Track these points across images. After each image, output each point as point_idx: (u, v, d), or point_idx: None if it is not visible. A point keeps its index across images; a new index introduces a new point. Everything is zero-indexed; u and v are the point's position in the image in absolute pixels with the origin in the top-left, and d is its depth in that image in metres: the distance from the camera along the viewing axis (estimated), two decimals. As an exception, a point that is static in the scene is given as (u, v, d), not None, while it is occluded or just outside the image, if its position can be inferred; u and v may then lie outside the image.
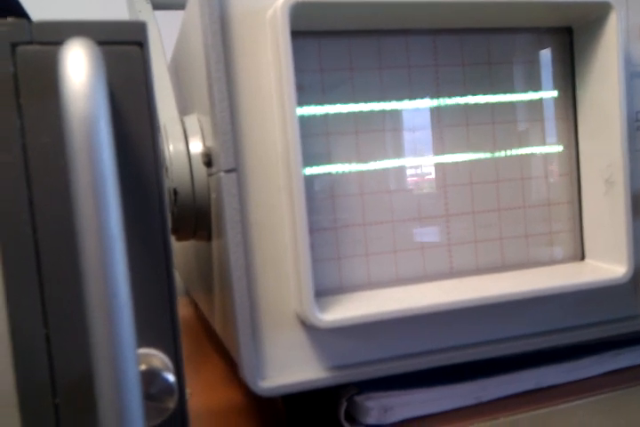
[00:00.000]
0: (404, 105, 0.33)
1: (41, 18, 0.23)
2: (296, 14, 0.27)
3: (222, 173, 0.28)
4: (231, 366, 0.43)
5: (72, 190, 0.19)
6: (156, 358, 0.24)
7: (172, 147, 0.32)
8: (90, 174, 0.18)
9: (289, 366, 0.30)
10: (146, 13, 0.45)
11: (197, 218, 0.32)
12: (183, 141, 0.32)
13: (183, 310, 0.63)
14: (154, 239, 0.24)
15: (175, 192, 0.31)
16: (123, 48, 0.23)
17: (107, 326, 0.19)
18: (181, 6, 0.50)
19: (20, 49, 0.22)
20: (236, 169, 0.28)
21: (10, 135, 0.22)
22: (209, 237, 0.34)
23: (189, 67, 0.36)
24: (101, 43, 0.22)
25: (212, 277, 0.36)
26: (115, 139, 0.20)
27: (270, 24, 0.28)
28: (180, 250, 0.50)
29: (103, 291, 0.19)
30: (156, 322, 0.25)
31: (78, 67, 0.19)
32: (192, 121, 0.33)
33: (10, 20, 0.22)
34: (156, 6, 0.47)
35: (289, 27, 0.27)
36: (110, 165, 0.19)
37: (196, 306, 0.62)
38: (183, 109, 0.37)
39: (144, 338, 0.24)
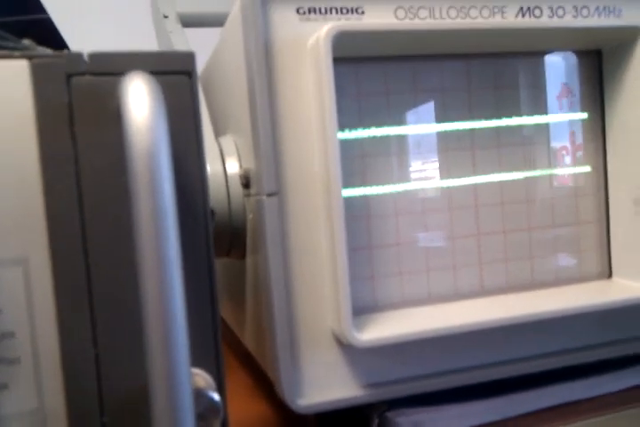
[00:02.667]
0: (438, 127, 0.34)
1: (75, 43, 0.24)
2: (336, 42, 0.28)
3: (265, 197, 0.28)
4: (258, 379, 0.44)
5: (134, 220, 0.20)
6: (200, 377, 0.25)
7: (209, 167, 0.32)
8: (152, 206, 0.19)
9: (326, 384, 0.31)
10: (177, 34, 0.46)
11: (233, 237, 0.33)
12: (220, 162, 0.33)
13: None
14: (200, 262, 0.25)
15: (212, 212, 0.32)
16: (173, 78, 0.24)
17: (164, 346, 0.20)
18: (211, 24, 0.50)
19: (75, 79, 0.23)
20: (277, 193, 0.29)
21: (64, 163, 0.23)
22: (242, 256, 0.34)
23: (224, 88, 0.37)
24: (152, 72, 0.23)
25: (243, 293, 0.36)
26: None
27: (312, 52, 0.29)
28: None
29: (162, 313, 0.20)
30: (199, 341, 0.25)
31: (140, 100, 0.20)
32: (228, 142, 0.34)
33: (65, 52, 0.23)
34: (186, 24, 0.48)
35: (331, 56, 0.27)
36: (170, 196, 0.20)
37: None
38: (216, 129, 0.38)
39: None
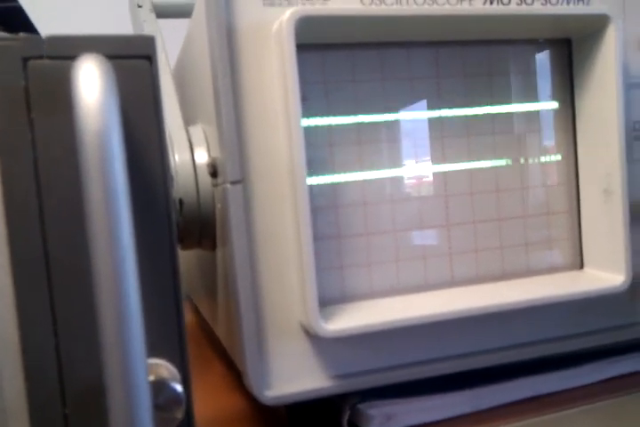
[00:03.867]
0: (406, 116, 0.33)
1: (48, 31, 0.24)
2: (301, 28, 0.28)
3: (229, 185, 0.28)
4: (233, 372, 0.44)
5: (85, 204, 0.19)
6: (163, 367, 0.25)
7: (177, 157, 0.32)
8: (103, 188, 0.18)
9: (293, 375, 0.30)
10: (150, 23, 0.46)
11: (202, 227, 0.33)
12: (189, 152, 0.32)
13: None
14: (161, 250, 0.25)
15: (181, 202, 0.32)
16: (132, 62, 0.24)
17: (118, 336, 0.20)
18: (185, 15, 0.50)
19: (32, 63, 0.22)
20: (241, 180, 0.28)
21: (21, 147, 0.22)
22: (213, 247, 0.34)
23: (193, 77, 0.36)
24: (111, 57, 0.22)
25: (215, 285, 0.36)
26: (125, 152, 0.20)
27: (276, 37, 0.28)
28: (183, 255, 0.50)
29: (115, 301, 0.19)
30: (163, 332, 0.25)
31: (91, 83, 0.19)
32: (197, 131, 0.34)
33: (22, 35, 0.23)
34: (160, 15, 0.48)
35: (294, 40, 0.27)
36: (122, 179, 0.19)
37: (196, 310, 0.62)
38: (187, 119, 0.37)
39: (151, 348, 0.24)
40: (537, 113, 0.36)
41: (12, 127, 0.22)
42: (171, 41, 0.46)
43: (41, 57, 0.23)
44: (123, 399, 0.20)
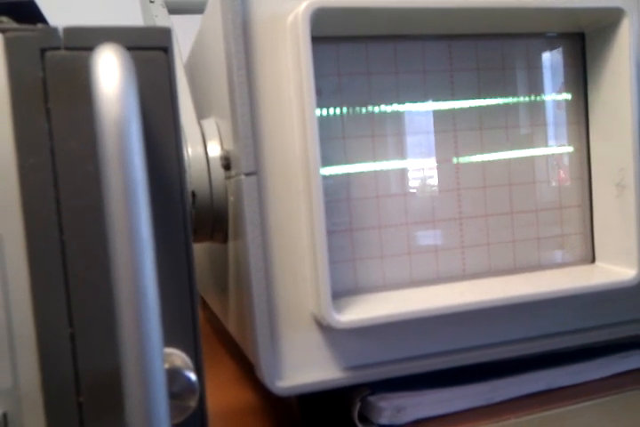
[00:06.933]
0: (419, 108, 0.33)
1: (57, 23, 0.24)
2: (316, 20, 0.28)
3: (242, 177, 0.28)
4: (244, 365, 0.44)
5: (104, 193, 0.19)
6: (178, 357, 0.25)
7: (190, 150, 0.32)
8: (122, 177, 0.19)
9: (305, 367, 0.31)
10: (162, 18, 0.46)
11: (215, 220, 0.33)
12: (202, 144, 0.33)
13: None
14: (176, 242, 0.25)
15: (193, 194, 0.32)
16: (148, 53, 0.24)
17: (136, 325, 0.20)
18: (197, 11, 0.50)
19: (49, 54, 0.23)
20: (255, 172, 0.29)
21: (38, 138, 0.23)
22: (225, 239, 0.34)
23: (207, 71, 0.36)
24: (128, 48, 0.22)
25: (226, 278, 0.36)
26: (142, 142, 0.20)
27: (291, 30, 0.28)
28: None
29: (133, 291, 0.20)
30: (177, 322, 0.25)
31: (111, 72, 0.19)
32: (210, 124, 0.34)
33: (40, 26, 0.23)
34: (172, 11, 0.48)
35: (309, 32, 0.27)
36: (141, 169, 0.19)
37: (204, 305, 0.62)
38: (200, 112, 0.38)
39: (165, 338, 0.24)
40: (550, 107, 0.36)
41: (29, 118, 0.22)
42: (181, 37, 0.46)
43: (58, 48, 0.23)
44: (140, 386, 0.20)
